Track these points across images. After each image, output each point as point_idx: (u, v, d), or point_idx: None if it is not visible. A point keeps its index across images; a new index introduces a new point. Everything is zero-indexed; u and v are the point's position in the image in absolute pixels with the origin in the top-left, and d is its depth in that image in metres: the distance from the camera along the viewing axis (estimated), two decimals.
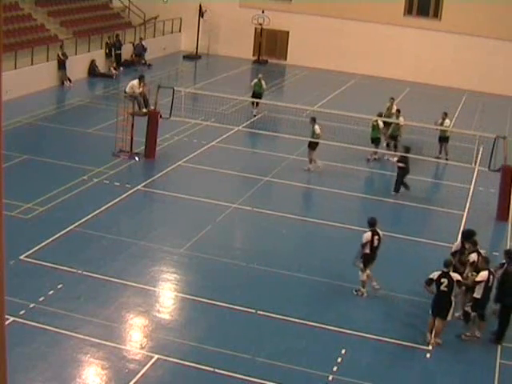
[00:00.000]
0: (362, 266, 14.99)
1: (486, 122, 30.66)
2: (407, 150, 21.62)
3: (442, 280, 13.23)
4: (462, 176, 23.53)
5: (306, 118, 27.07)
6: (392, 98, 26.20)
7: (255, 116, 27.70)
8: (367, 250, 14.93)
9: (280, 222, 19.02)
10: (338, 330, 13.90)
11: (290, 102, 28.71)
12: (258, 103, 28.15)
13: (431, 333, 13.60)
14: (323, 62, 39.68)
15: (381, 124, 24.10)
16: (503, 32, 36.65)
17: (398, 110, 24.74)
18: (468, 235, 14.91)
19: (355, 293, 15.25)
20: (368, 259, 14.99)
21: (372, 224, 15.02)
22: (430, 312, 13.60)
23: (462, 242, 14.86)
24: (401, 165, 21.34)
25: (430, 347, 13.52)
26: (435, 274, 13.34)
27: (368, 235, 14.91)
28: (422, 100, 26.68)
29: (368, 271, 15.08)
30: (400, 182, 21.44)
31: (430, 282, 13.38)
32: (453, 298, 13.36)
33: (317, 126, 22.69)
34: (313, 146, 22.81)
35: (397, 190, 21.43)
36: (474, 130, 27.38)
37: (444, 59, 38.00)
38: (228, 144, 24.75)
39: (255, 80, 28.99)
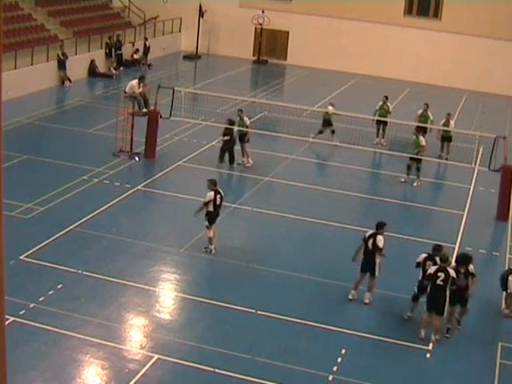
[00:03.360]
0: (207, 223, 16.39)
1: (486, 122, 30.67)
2: (231, 123, 22.62)
3: (439, 274, 13.36)
4: (462, 176, 23.54)
5: (306, 118, 27.20)
6: (385, 97, 26.19)
7: (312, 138, 25.32)
8: (211, 208, 16.40)
9: (280, 222, 19.03)
10: (338, 330, 13.91)
11: (290, 102, 28.71)
12: (333, 131, 25.50)
13: (425, 329, 13.71)
14: (323, 62, 39.69)
15: (423, 141, 22.40)
16: (503, 32, 36.66)
17: (419, 128, 23.15)
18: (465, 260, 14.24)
19: (204, 250, 16.52)
20: (212, 217, 16.49)
21: (214, 184, 16.56)
22: (426, 308, 13.70)
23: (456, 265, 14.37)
24: (225, 138, 22.48)
25: (430, 347, 13.53)
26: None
27: (211, 194, 16.35)
28: (422, 100, 26.67)
29: (213, 228, 16.44)
30: (225, 153, 22.57)
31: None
32: (447, 294, 13.43)
33: (246, 118, 22.75)
34: (245, 138, 22.73)
35: (221, 160, 22.66)
36: (474, 130, 27.38)
37: (444, 59, 38.01)
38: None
39: (330, 108, 25.76)
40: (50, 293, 14.27)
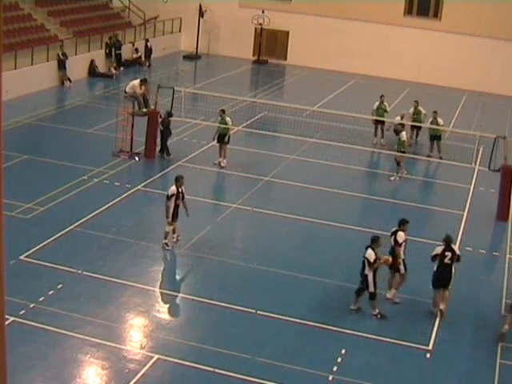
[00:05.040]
0: (170, 219, 16.54)
1: (486, 121, 30.67)
2: (169, 114, 22.97)
3: (446, 253, 14.40)
4: (462, 176, 23.53)
5: (306, 118, 27.20)
6: (382, 96, 26.18)
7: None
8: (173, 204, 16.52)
9: (280, 222, 19.02)
10: (338, 330, 13.91)
11: (290, 102, 28.71)
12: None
13: (438, 306, 14.53)
14: (323, 62, 39.68)
15: (403, 136, 22.69)
16: (503, 32, 36.65)
17: (402, 125, 23.32)
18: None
19: (165, 246, 16.66)
20: (174, 213, 16.58)
21: (177, 180, 16.68)
22: (431, 286, 14.60)
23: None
24: (161, 128, 22.74)
25: (431, 347, 13.53)
26: (438, 250, 14.48)
27: (173, 189, 16.54)
28: (421, 100, 26.70)
29: (175, 224, 16.71)
30: (164, 145, 22.86)
31: (434, 258, 14.52)
32: (453, 270, 14.44)
33: (228, 118, 22.59)
34: (225, 139, 22.55)
35: (162, 152, 22.94)
36: (474, 130, 27.38)
37: (444, 59, 38.01)
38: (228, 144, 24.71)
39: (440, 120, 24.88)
40: (50, 293, 14.27)
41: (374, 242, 14.32)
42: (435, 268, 14.52)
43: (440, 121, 24.76)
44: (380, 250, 14.47)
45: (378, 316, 14.38)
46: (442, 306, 14.58)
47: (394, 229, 15.06)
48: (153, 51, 37.88)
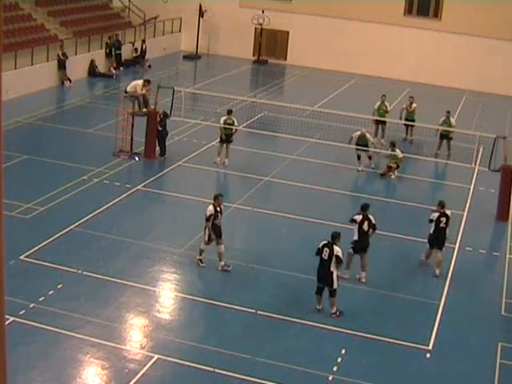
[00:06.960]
0: (207, 238, 15.76)
1: (486, 122, 30.65)
2: (166, 115, 23.09)
3: (442, 219, 16.11)
4: (462, 176, 23.53)
5: (306, 118, 27.19)
6: (384, 96, 26.22)
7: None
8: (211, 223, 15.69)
9: (280, 222, 19.02)
10: (338, 330, 13.91)
11: (290, 101, 28.69)
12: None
13: (427, 258, 16.51)
14: (323, 62, 39.67)
15: (400, 154, 22.95)
16: (503, 32, 36.64)
17: (393, 144, 23.20)
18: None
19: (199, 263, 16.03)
20: (215, 232, 15.72)
21: (215, 198, 15.81)
22: (428, 246, 16.36)
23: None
24: (159, 128, 22.75)
25: (430, 347, 13.52)
26: (435, 215, 16.19)
27: (211, 209, 15.59)
28: (422, 100, 26.72)
29: (221, 247, 15.81)
30: (163, 145, 22.93)
31: (431, 221, 16.27)
32: (448, 232, 16.24)
33: (222, 120, 22.60)
34: (231, 139, 22.63)
35: (162, 153, 22.97)
36: (474, 130, 27.37)
37: (444, 59, 38.00)
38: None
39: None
40: (50, 293, 14.27)
41: (337, 237, 14.35)
42: (431, 231, 16.25)
43: (452, 121, 25.00)
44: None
45: (338, 314, 14.29)
46: (437, 271, 16.21)
47: (360, 216, 15.75)
48: (147, 53, 37.46)
